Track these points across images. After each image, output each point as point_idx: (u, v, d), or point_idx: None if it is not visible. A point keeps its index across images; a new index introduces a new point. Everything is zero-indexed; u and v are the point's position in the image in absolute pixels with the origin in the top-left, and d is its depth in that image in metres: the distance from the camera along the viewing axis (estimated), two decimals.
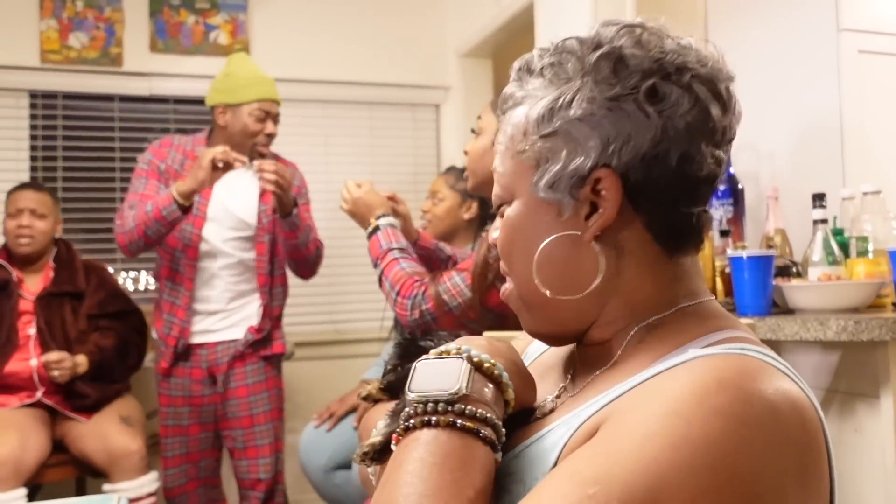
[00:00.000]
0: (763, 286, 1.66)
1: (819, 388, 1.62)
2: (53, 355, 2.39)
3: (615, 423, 0.56)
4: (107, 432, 2.44)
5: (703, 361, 0.58)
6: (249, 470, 2.52)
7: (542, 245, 0.67)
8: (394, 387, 0.82)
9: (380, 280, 1.70)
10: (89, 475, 2.58)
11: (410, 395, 0.61)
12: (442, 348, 0.65)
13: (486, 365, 0.63)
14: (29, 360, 2.47)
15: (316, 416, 2.49)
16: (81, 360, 2.46)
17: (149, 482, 2.45)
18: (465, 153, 1.76)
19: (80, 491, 2.72)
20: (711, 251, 2.03)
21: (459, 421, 0.58)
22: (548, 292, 0.68)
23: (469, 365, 0.62)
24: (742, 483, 0.51)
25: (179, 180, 2.34)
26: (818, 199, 1.83)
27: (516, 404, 0.66)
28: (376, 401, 0.85)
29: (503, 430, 0.61)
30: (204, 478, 2.56)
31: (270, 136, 2.53)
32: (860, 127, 1.98)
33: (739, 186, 2.17)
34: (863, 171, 1.96)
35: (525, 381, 0.68)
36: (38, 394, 2.45)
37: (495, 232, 0.73)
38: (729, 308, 1.78)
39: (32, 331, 2.50)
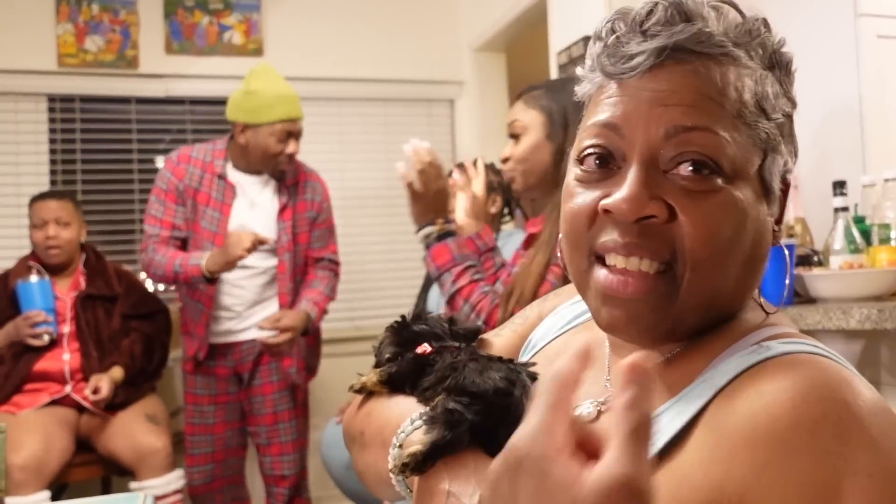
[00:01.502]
0: (784, 275, 1.65)
1: None
2: (99, 395, 2.46)
3: (771, 478, 0.49)
4: (133, 431, 2.49)
5: (794, 370, 0.54)
6: (273, 466, 2.54)
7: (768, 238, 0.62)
8: (394, 379, 0.73)
9: (452, 296, 1.57)
10: (115, 473, 2.62)
11: None
12: None
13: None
14: (62, 355, 2.57)
15: (337, 413, 2.50)
16: (118, 375, 2.55)
17: (175, 479, 2.49)
18: (506, 160, 1.66)
19: (106, 489, 2.76)
20: None
21: None
22: (749, 292, 0.63)
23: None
24: None
25: (211, 256, 2.34)
26: (838, 186, 1.81)
27: None
28: (370, 393, 0.76)
29: None
30: (229, 476, 2.58)
31: (292, 156, 2.49)
32: (880, 112, 1.95)
33: None
34: (884, 157, 1.93)
35: None
36: (68, 388, 2.52)
37: (713, 221, 0.57)
38: None
39: (67, 329, 2.60)
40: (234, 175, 2.53)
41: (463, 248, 1.60)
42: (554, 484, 0.37)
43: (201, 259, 2.35)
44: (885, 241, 1.78)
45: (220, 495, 2.56)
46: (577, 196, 0.62)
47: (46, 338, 2.53)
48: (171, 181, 2.50)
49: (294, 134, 2.47)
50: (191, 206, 2.48)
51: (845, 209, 1.80)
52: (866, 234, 1.82)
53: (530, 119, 1.63)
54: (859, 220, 1.85)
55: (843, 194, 1.80)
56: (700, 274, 0.57)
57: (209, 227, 2.46)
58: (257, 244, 2.30)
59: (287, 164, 2.50)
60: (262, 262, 2.52)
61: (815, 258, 1.86)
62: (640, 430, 0.37)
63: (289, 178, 2.56)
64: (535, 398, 0.41)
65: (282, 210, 2.53)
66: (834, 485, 0.47)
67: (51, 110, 3.27)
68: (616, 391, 0.39)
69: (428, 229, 1.64)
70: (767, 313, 0.64)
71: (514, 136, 1.67)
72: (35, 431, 2.36)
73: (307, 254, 2.61)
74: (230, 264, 2.32)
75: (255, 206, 2.52)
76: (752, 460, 0.50)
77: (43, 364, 2.54)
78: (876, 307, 1.43)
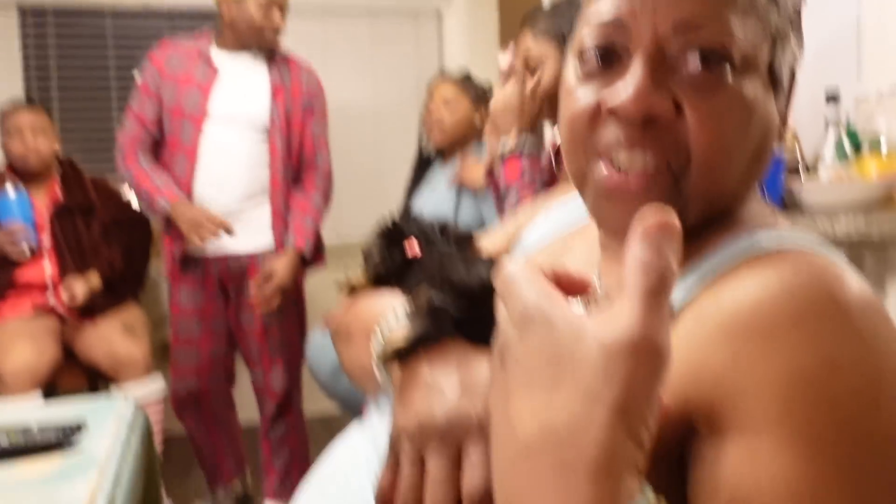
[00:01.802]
0: (773, 185, 1.64)
1: None
2: (74, 299, 2.50)
3: (761, 395, 0.47)
4: (111, 339, 2.54)
5: (783, 263, 0.52)
6: (263, 381, 2.53)
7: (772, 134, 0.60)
8: (382, 278, 0.73)
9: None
10: (99, 381, 2.67)
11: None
12: None
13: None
14: (43, 266, 2.59)
15: (323, 321, 2.49)
16: (95, 281, 2.57)
17: (154, 385, 2.54)
18: (529, 93, 1.64)
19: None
20: None
21: None
22: (746, 189, 0.61)
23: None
24: None
25: (177, 207, 2.33)
26: (831, 97, 1.78)
27: None
28: (357, 292, 0.75)
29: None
30: (214, 388, 2.55)
31: (277, 31, 2.42)
32: (879, 19, 1.90)
33: None
34: (880, 67, 1.90)
35: None
36: (50, 298, 2.55)
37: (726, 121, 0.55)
38: None
39: (46, 240, 2.61)
40: (218, 55, 2.45)
41: (534, 164, 1.65)
42: (560, 334, 0.37)
43: (168, 207, 2.35)
44: (876, 152, 1.77)
45: (205, 407, 2.55)
46: (578, 95, 0.59)
47: (27, 249, 2.52)
48: (149, 70, 2.44)
49: (278, 6, 2.40)
50: (171, 88, 2.41)
51: (837, 120, 1.78)
52: (857, 146, 1.80)
53: (544, 51, 1.60)
54: (851, 132, 1.83)
55: (835, 104, 1.78)
56: (705, 172, 0.56)
57: (191, 109, 2.39)
58: (218, 233, 2.32)
59: (273, 38, 2.44)
60: (250, 143, 2.43)
61: (805, 168, 1.85)
62: (658, 288, 0.36)
63: (279, 58, 2.49)
64: (506, 282, 0.42)
65: (274, 91, 2.45)
66: (813, 377, 0.46)
67: (22, 23, 3.16)
68: (631, 243, 0.37)
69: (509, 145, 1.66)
70: (770, 212, 0.63)
71: (529, 70, 1.63)
72: (25, 338, 2.41)
73: (303, 144, 2.51)
74: (193, 235, 2.34)
75: (242, 86, 2.44)
76: (729, 349, 0.49)
77: (24, 275, 2.56)
78: (863, 216, 1.42)
